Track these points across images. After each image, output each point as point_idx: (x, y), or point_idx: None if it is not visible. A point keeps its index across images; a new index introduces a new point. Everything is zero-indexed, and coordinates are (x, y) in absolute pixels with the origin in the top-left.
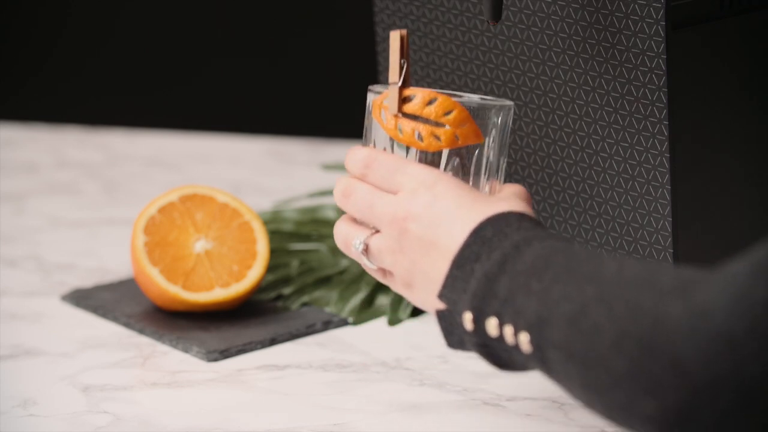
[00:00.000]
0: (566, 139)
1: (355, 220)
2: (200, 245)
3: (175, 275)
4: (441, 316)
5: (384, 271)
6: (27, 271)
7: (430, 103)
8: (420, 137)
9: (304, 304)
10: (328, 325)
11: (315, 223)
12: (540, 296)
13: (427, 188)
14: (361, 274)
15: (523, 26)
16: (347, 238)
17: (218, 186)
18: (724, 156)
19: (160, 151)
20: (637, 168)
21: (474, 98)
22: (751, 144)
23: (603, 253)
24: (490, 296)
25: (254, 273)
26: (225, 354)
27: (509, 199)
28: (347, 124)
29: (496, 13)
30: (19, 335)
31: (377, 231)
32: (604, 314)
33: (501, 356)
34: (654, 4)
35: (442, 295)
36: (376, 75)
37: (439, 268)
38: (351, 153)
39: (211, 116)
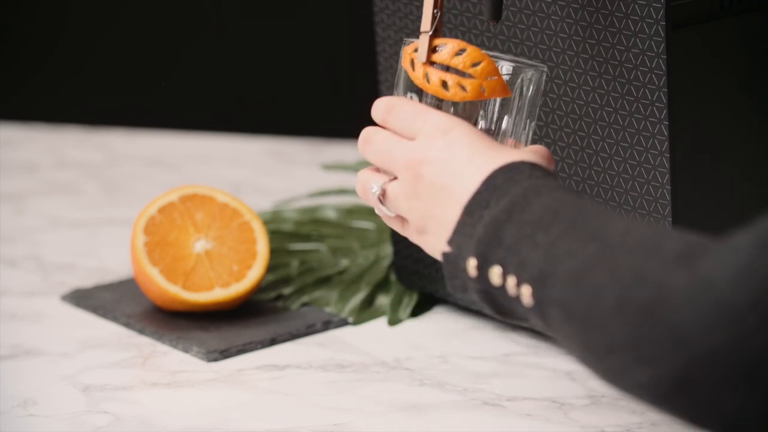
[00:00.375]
0: (566, 139)
1: (377, 170)
2: (200, 245)
3: (175, 275)
4: (446, 259)
5: (401, 220)
6: (27, 271)
7: (459, 53)
8: (446, 87)
9: (304, 304)
10: (328, 325)
11: (315, 223)
12: (545, 250)
13: (442, 133)
14: (361, 274)
15: (523, 26)
16: (366, 184)
17: (218, 186)
18: (724, 156)
19: (160, 151)
20: (637, 168)
21: (507, 56)
22: (751, 144)
23: (611, 211)
24: (495, 243)
25: (254, 273)
26: (225, 354)
27: (526, 151)
28: (347, 124)
29: (496, 13)
30: (19, 335)
31: (396, 178)
32: (606, 277)
33: (502, 304)
34: (654, 4)
35: (451, 241)
36: (376, 75)
37: (451, 214)
38: (376, 102)
39: (211, 116)
